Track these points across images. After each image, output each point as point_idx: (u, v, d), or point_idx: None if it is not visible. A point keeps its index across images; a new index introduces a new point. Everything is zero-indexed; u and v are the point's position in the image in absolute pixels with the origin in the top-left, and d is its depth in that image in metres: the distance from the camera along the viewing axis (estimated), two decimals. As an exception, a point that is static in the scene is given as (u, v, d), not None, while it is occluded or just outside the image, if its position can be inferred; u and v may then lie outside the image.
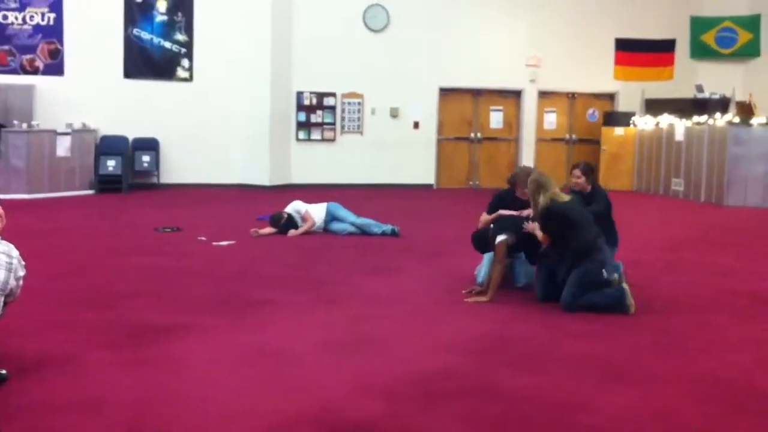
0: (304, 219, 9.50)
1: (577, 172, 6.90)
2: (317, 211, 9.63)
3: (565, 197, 6.08)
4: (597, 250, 5.94)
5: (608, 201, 6.90)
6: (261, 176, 15.18)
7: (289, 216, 9.47)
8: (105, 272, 7.03)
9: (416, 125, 16.31)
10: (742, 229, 10.99)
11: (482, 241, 6.38)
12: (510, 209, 6.71)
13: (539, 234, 6.02)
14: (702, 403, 3.99)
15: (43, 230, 9.56)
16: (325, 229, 9.60)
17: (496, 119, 17.08)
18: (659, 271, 7.50)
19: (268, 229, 9.36)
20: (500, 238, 6.16)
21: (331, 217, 9.64)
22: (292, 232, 9.32)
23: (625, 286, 5.86)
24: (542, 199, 5.97)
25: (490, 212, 6.81)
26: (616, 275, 5.95)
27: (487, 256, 6.62)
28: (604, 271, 5.89)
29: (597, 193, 6.92)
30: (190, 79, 15.12)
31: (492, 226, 6.37)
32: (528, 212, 6.35)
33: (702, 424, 3.72)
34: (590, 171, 6.93)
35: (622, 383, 4.28)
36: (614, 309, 5.78)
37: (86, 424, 3.55)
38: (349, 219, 9.62)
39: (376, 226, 9.52)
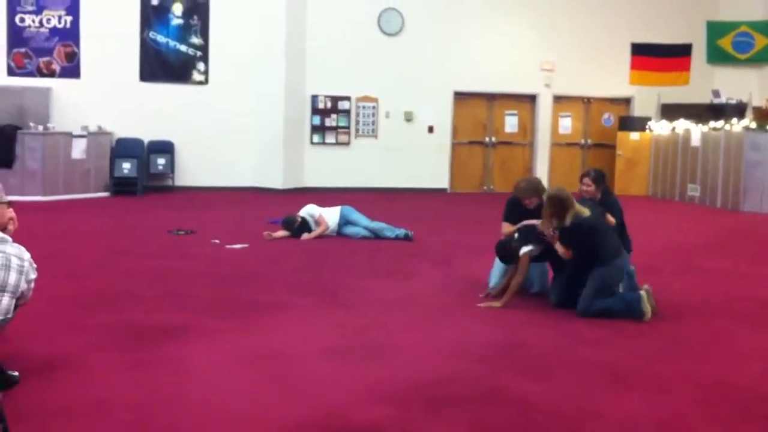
0: (317, 223, 9.50)
1: (587, 180, 6.70)
2: (331, 215, 9.63)
3: (586, 210, 5.96)
4: (617, 256, 5.90)
5: (620, 207, 6.80)
6: (275, 179, 15.20)
7: (303, 219, 9.47)
8: (116, 274, 7.06)
9: (431, 129, 16.27)
10: (758, 235, 10.89)
11: (507, 252, 6.29)
12: (524, 217, 6.61)
13: (561, 250, 5.94)
14: (711, 411, 3.95)
15: (57, 232, 9.61)
16: (339, 233, 9.60)
17: (510, 123, 17.01)
18: (673, 277, 7.44)
19: (282, 233, 9.36)
20: (525, 249, 6.07)
21: (344, 221, 9.63)
22: (305, 236, 9.32)
23: (642, 292, 5.81)
24: (568, 218, 5.83)
25: (506, 220, 6.68)
26: (646, 287, 5.90)
27: (499, 263, 6.59)
28: (620, 286, 5.89)
29: (609, 200, 6.77)
30: (205, 82, 15.17)
31: (516, 236, 6.25)
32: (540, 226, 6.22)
33: (710, 430, 3.69)
34: (601, 179, 6.74)
35: (631, 390, 4.24)
36: (629, 315, 5.73)
37: (91, 426, 3.56)
38: (363, 223, 9.62)
39: (389, 230, 9.51)
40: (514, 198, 6.72)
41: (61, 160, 13.31)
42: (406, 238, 9.40)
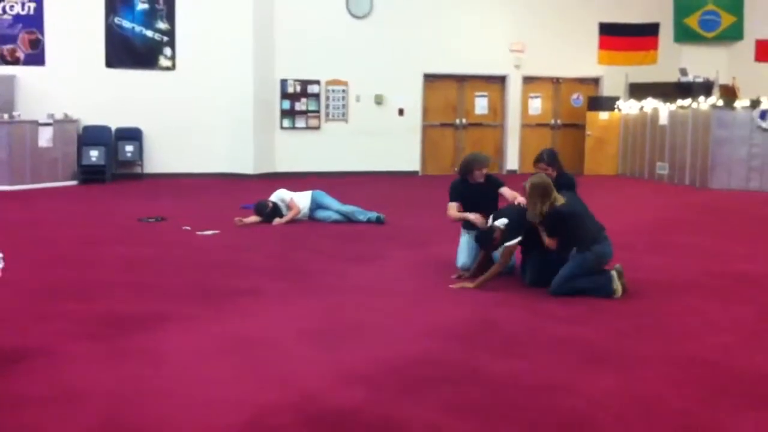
0: (289, 207, 9.47)
1: (542, 165, 6.55)
2: (302, 199, 9.61)
3: (561, 198, 5.99)
4: (597, 242, 5.93)
5: (574, 183, 6.74)
6: (245, 165, 15.12)
7: (275, 204, 9.44)
8: (86, 263, 6.98)
9: (401, 112, 16.26)
10: (726, 211, 11.03)
11: (488, 241, 6.20)
12: (470, 195, 6.65)
13: (547, 240, 5.95)
14: (684, 386, 4.00)
15: (25, 221, 9.49)
16: (310, 217, 9.59)
17: (481, 105, 17.04)
18: (643, 254, 7.51)
19: (253, 218, 9.32)
20: (513, 242, 6.03)
21: (316, 205, 9.62)
22: (277, 220, 9.29)
23: (613, 271, 5.86)
24: (546, 205, 5.84)
25: (453, 200, 6.82)
26: (617, 266, 5.93)
27: (465, 243, 6.61)
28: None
29: (565, 178, 6.66)
30: (172, 68, 15.01)
31: (503, 222, 6.10)
32: (521, 200, 6.23)
33: (685, 406, 3.73)
34: (554, 158, 6.65)
35: (603, 367, 4.29)
36: (599, 294, 5.78)
37: (64, 416, 3.53)
38: (334, 207, 9.61)
39: (360, 214, 9.51)
40: (457, 182, 6.85)
41: (28, 149, 13.13)
42: (378, 221, 9.41)
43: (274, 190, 9.75)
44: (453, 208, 6.79)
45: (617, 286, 5.80)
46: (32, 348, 4.46)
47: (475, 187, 6.69)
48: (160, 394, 3.80)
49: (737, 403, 3.78)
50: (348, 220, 9.46)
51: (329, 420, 3.51)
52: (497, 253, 6.34)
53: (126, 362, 4.27)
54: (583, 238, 5.90)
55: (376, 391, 3.87)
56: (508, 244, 6.03)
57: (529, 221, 5.97)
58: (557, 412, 3.64)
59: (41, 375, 4.05)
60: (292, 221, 9.35)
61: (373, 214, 9.50)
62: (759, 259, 7.44)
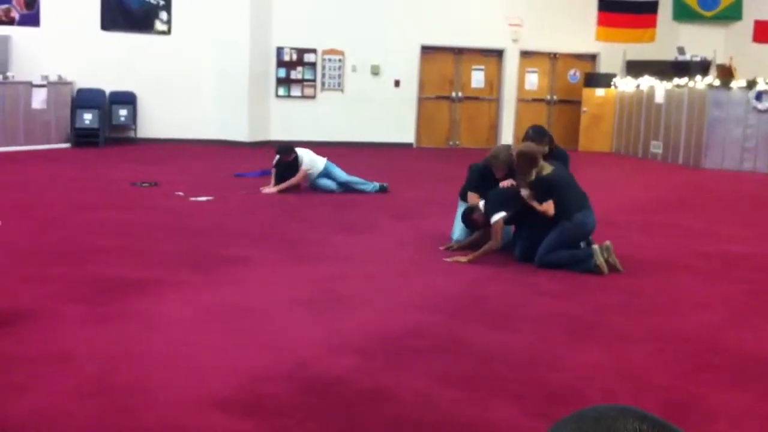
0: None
1: (529, 142, 6.44)
2: (317, 163, 9.52)
3: (548, 166, 6.02)
4: (580, 211, 5.97)
5: (567, 157, 6.80)
6: (240, 132, 15.07)
7: (296, 157, 9.36)
8: (78, 227, 6.98)
9: (397, 83, 16.20)
10: (717, 192, 11.07)
11: (469, 221, 6.28)
12: (492, 187, 6.41)
13: (540, 207, 5.95)
14: (669, 362, 4.05)
15: (16, 183, 9.47)
16: (312, 184, 9.55)
17: (477, 79, 16.99)
18: (632, 232, 7.56)
19: (272, 188, 9.28)
20: (497, 216, 6.05)
21: (325, 173, 9.56)
22: (281, 186, 9.25)
23: (595, 246, 5.89)
24: (533, 174, 5.87)
25: (473, 190, 6.53)
26: (607, 242, 5.96)
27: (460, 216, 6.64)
28: (582, 244, 5.97)
29: (558, 152, 6.73)
30: (168, 32, 14.90)
31: (483, 203, 6.19)
32: (509, 182, 6.25)
33: (669, 382, 3.78)
34: (543, 134, 6.62)
35: (591, 342, 4.34)
36: (581, 268, 5.81)
37: (55, 377, 3.55)
38: (342, 178, 9.57)
39: (363, 184, 9.54)
40: (483, 166, 6.58)
41: (21, 111, 13.06)
42: (382, 190, 9.49)
43: (268, 157, 9.69)
44: (473, 198, 6.53)
45: (600, 261, 5.80)
46: (22, 310, 4.48)
47: (498, 181, 6.51)
48: (150, 358, 3.83)
49: (721, 380, 3.83)
50: (347, 190, 9.45)
51: (320, 387, 3.55)
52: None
53: (116, 326, 4.29)
54: (566, 207, 5.94)
55: (367, 359, 3.91)
56: (492, 220, 6.06)
57: (518, 199, 6.00)
58: (545, 385, 3.69)
59: (31, 336, 4.07)
60: (290, 188, 9.27)
61: (376, 185, 9.54)
62: (749, 239, 7.49)
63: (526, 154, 5.96)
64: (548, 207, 5.96)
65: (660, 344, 4.33)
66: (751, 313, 5.04)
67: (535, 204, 5.98)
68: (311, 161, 9.51)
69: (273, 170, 9.47)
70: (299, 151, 9.46)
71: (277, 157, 9.37)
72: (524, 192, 5.98)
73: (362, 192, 9.45)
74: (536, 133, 6.59)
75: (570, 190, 6.06)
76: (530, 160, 5.93)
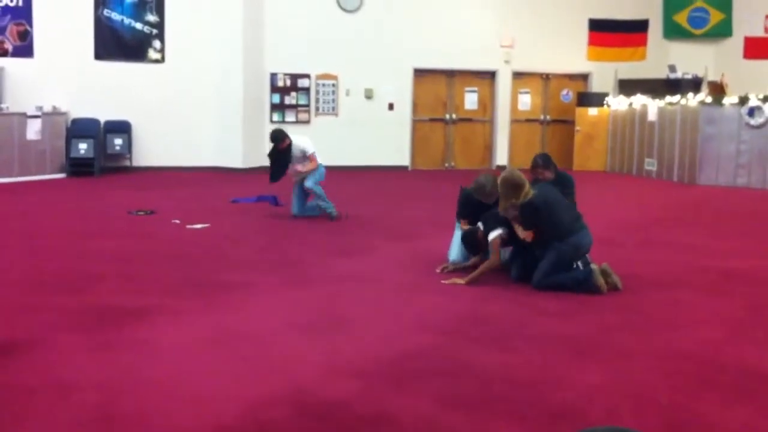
0: (309, 159, 9.19)
1: (540, 170, 6.88)
2: (318, 160, 9.32)
3: (531, 191, 6.04)
4: (573, 233, 5.97)
5: (572, 182, 7.04)
6: (235, 159, 15.09)
7: (290, 145, 9.12)
8: (76, 255, 6.97)
9: (391, 106, 16.26)
10: (713, 208, 11.10)
11: (473, 241, 6.30)
12: (479, 211, 6.47)
13: (522, 233, 6.00)
14: (672, 379, 4.03)
15: (13, 214, 9.45)
16: (301, 182, 9.30)
17: (470, 100, 17.07)
18: (631, 250, 7.56)
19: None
20: (494, 234, 6.08)
21: (318, 176, 9.31)
22: (298, 168, 9.07)
23: (593, 266, 5.89)
24: (520, 199, 5.90)
25: (463, 217, 6.65)
26: (604, 264, 5.97)
27: (458, 237, 6.64)
28: (579, 263, 5.96)
29: (564, 178, 6.98)
30: (161, 60, 14.96)
31: (480, 224, 6.25)
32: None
33: (672, 399, 3.77)
34: (549, 161, 6.96)
35: (592, 361, 4.32)
36: (580, 289, 5.81)
37: (55, 407, 3.52)
38: (314, 180, 9.23)
39: (319, 199, 9.20)
40: (467, 194, 6.70)
41: (16, 142, 13.07)
42: (331, 217, 9.19)
43: (263, 184, 9.66)
44: (465, 225, 6.62)
45: (600, 282, 5.80)
46: (21, 339, 4.45)
47: (483, 204, 6.53)
48: (150, 386, 3.80)
49: (724, 397, 3.81)
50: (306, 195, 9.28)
51: (321, 413, 3.53)
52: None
53: (116, 354, 4.27)
54: (559, 229, 5.94)
55: (368, 383, 3.89)
56: (490, 238, 6.09)
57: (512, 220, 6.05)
58: (547, 405, 3.66)
59: (30, 365, 4.04)
60: (275, 213, 9.27)
61: (329, 205, 9.22)
62: (746, 254, 7.50)
63: (508, 181, 6.00)
64: (527, 235, 5.99)
65: (661, 362, 4.32)
66: (751, 328, 5.03)
67: (518, 230, 6.01)
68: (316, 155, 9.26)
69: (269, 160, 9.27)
70: (298, 138, 9.25)
71: (272, 146, 9.15)
72: (503, 213, 6.02)
73: (320, 211, 9.20)
74: (545, 161, 6.93)
75: (559, 210, 6.04)
76: (513, 186, 5.95)
